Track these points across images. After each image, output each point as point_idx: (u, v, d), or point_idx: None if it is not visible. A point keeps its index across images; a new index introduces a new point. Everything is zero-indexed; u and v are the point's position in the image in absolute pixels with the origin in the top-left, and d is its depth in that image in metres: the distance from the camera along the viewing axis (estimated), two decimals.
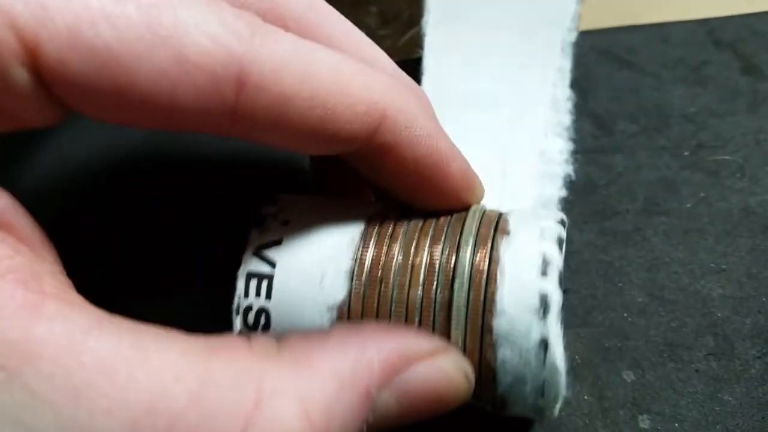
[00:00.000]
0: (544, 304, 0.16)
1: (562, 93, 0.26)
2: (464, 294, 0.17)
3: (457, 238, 0.17)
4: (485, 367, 0.17)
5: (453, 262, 0.17)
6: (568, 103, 0.26)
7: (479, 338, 0.17)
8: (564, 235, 0.18)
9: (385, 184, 0.19)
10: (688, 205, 0.26)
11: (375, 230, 0.18)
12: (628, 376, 0.23)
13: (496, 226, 0.18)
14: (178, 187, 0.28)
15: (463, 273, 0.17)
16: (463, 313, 0.17)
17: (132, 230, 0.27)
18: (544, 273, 0.16)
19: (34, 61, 0.13)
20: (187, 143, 0.28)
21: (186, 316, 0.14)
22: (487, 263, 0.17)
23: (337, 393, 0.14)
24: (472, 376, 0.16)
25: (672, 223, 0.26)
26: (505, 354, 0.16)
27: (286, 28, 0.18)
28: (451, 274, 0.17)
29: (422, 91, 0.22)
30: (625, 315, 0.24)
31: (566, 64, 0.27)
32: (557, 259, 0.17)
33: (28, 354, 0.11)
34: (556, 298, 0.16)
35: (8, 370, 0.11)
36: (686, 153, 0.28)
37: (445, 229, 0.18)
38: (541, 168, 0.25)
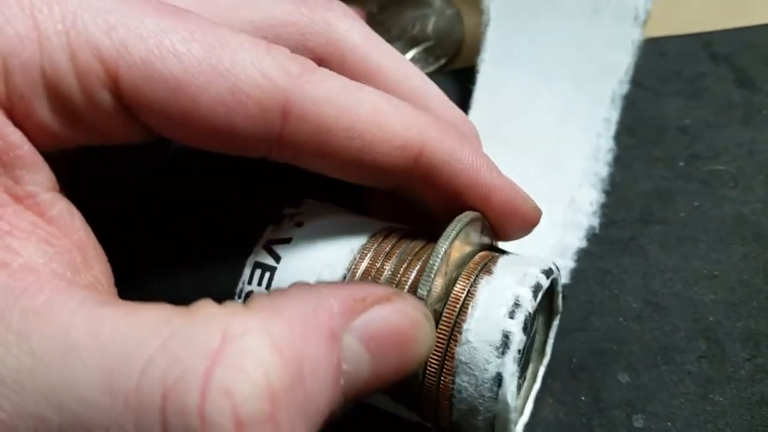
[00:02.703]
0: (505, 343, 0.17)
1: (605, 144, 0.27)
2: (435, 318, 0.18)
3: (445, 267, 0.18)
4: (443, 392, 0.18)
5: (433, 287, 0.18)
6: (609, 155, 0.27)
7: (441, 362, 0.18)
8: (545, 282, 0.18)
9: (433, 213, 0.20)
10: (683, 214, 0.28)
11: (374, 246, 0.20)
12: (624, 377, 0.24)
13: (484, 265, 0.19)
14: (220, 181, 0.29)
15: (440, 299, 0.18)
16: None
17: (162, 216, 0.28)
18: (511, 315, 0.17)
19: (115, 86, 0.16)
20: None
21: (192, 297, 0.15)
22: (463, 295, 0.18)
23: (303, 332, 0.14)
24: (431, 318, 0.17)
25: (667, 232, 0.27)
26: (462, 381, 0.17)
27: (343, 58, 0.21)
28: (427, 298, 0.18)
29: (470, 123, 0.24)
30: (621, 320, 0.25)
31: (614, 115, 0.28)
32: (528, 304, 0.18)
33: (37, 321, 0.13)
34: (517, 339, 0.17)
35: (20, 334, 0.13)
36: (681, 163, 0.29)
37: None
38: (568, 216, 0.26)
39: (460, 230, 0.18)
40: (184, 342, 0.13)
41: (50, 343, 0.13)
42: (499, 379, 0.17)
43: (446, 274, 0.18)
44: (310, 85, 0.17)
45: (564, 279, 0.25)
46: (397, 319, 0.15)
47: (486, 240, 0.21)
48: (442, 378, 0.18)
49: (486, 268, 0.19)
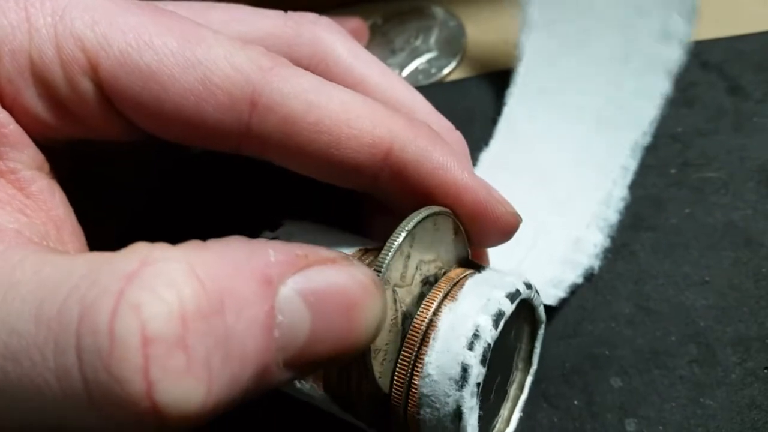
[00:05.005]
0: (463, 376, 0.17)
1: (619, 192, 0.28)
2: (397, 346, 0.18)
3: (411, 288, 0.18)
4: (411, 422, 0.18)
5: (396, 315, 0.18)
6: (621, 203, 0.27)
7: (406, 393, 0.18)
8: (508, 308, 0.18)
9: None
10: (674, 221, 0.28)
11: None
12: (616, 382, 0.24)
13: (450, 288, 0.18)
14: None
15: (404, 329, 0.18)
16: (393, 361, 0.18)
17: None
18: (470, 346, 0.17)
19: (96, 75, 0.17)
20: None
21: None
22: (425, 325, 0.18)
23: (230, 270, 0.13)
24: (383, 288, 0.16)
25: (658, 238, 0.28)
26: (426, 414, 0.17)
27: (328, 69, 0.22)
28: (390, 325, 0.18)
29: (457, 134, 0.23)
30: (613, 325, 0.26)
31: (632, 164, 0.28)
32: (488, 335, 0.17)
33: None
34: (475, 372, 0.17)
35: None
36: (673, 171, 0.29)
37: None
38: (569, 255, 0.26)
39: (424, 217, 0.18)
40: (104, 268, 0.13)
41: None
42: (458, 414, 0.17)
43: (411, 278, 0.18)
44: (279, 78, 0.17)
45: (551, 303, 0.24)
46: (343, 280, 0.14)
47: (461, 248, 0.20)
48: (408, 409, 0.18)
49: (451, 294, 0.18)
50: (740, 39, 0.34)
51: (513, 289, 0.18)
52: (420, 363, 0.18)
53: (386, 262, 0.17)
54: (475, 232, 0.20)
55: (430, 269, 0.19)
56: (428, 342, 0.18)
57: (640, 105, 0.29)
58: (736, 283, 0.26)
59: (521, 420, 0.22)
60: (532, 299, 0.20)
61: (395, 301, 0.18)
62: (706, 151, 0.30)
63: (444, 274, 0.19)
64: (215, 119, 0.17)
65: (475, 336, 0.17)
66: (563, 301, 0.25)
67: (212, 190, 0.30)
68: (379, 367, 0.18)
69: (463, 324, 0.17)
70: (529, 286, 0.19)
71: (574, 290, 0.25)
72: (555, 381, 0.25)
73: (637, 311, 0.26)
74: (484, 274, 0.19)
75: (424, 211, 0.18)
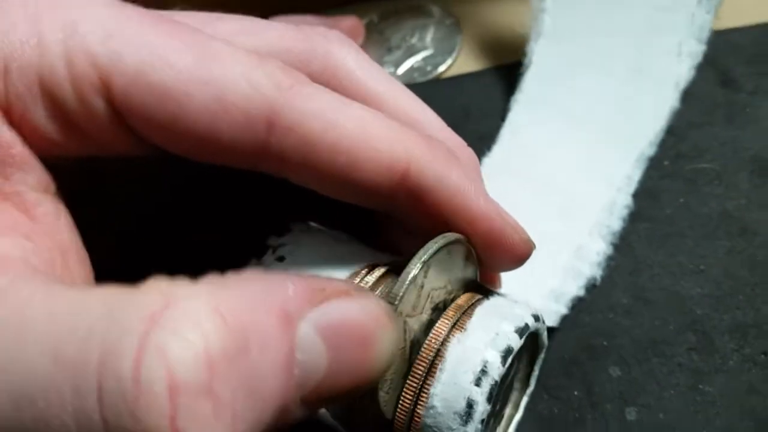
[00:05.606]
0: (468, 412, 0.17)
1: (623, 200, 0.28)
2: (402, 373, 0.17)
3: (420, 316, 0.18)
4: None
5: (406, 299, 0.17)
6: (625, 210, 0.28)
7: (408, 423, 0.18)
8: (516, 344, 0.18)
9: (421, 237, 0.19)
10: (669, 212, 0.28)
11: (356, 282, 0.19)
12: (615, 371, 0.25)
13: (459, 317, 0.18)
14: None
15: (411, 357, 0.18)
16: (398, 387, 0.18)
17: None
18: (478, 382, 0.17)
19: (108, 92, 0.16)
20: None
21: None
22: (432, 355, 0.18)
23: (252, 306, 0.13)
24: (396, 319, 0.15)
25: (653, 229, 0.28)
26: None
27: (340, 84, 0.21)
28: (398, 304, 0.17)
29: (469, 150, 0.23)
30: (611, 315, 0.26)
31: (637, 174, 0.28)
32: (496, 371, 0.17)
33: None
34: (481, 409, 0.17)
35: None
36: (666, 163, 0.30)
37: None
38: (572, 263, 0.26)
39: (440, 247, 0.17)
40: (124, 307, 0.12)
41: (6, 320, 0.13)
42: None
43: (422, 307, 0.18)
44: (299, 97, 0.17)
45: (553, 323, 0.24)
46: (358, 314, 0.14)
47: (470, 270, 0.20)
48: None
49: (459, 323, 0.18)
50: (732, 32, 0.34)
51: (522, 324, 0.18)
52: (425, 393, 0.17)
53: (400, 294, 0.16)
54: (488, 257, 0.20)
55: (440, 295, 0.19)
56: (435, 373, 0.17)
57: (647, 117, 0.30)
58: (732, 271, 0.26)
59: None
60: (540, 327, 0.20)
61: (405, 330, 0.18)
62: (699, 142, 0.30)
63: (453, 300, 0.19)
64: (230, 138, 0.17)
65: (483, 372, 0.17)
66: (563, 320, 0.25)
67: (220, 194, 0.30)
68: (384, 395, 0.18)
69: (472, 358, 0.17)
70: (537, 318, 0.19)
71: (575, 304, 0.25)
72: (554, 372, 0.25)
73: (634, 301, 0.26)
74: (493, 301, 0.19)
75: (441, 241, 0.18)
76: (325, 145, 0.17)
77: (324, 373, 0.14)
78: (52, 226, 0.17)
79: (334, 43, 0.22)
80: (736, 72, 0.33)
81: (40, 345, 0.12)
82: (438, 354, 0.18)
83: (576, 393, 0.24)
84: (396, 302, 0.16)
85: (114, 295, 0.13)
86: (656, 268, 0.27)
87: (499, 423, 0.21)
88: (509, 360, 0.18)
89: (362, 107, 0.18)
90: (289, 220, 0.22)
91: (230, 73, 0.17)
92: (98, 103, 0.17)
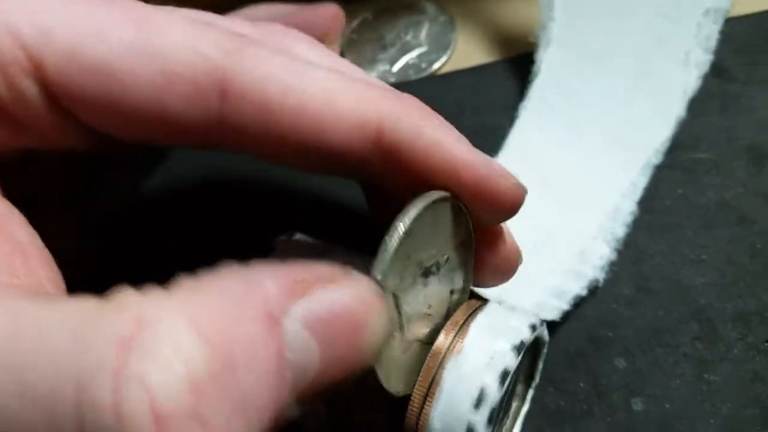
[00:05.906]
0: None
1: (628, 206, 0.28)
2: (400, 396, 0.17)
3: (415, 290, 0.17)
4: None
5: (391, 271, 0.16)
6: (629, 217, 0.27)
7: None
8: (513, 363, 0.18)
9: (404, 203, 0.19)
10: (668, 202, 0.28)
11: None
12: (620, 362, 0.25)
13: (452, 340, 0.18)
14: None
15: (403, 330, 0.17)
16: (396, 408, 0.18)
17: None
18: (477, 406, 0.17)
19: (40, 74, 0.15)
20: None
21: None
22: (429, 381, 0.17)
23: (233, 315, 0.12)
24: (384, 298, 0.15)
25: (653, 219, 0.28)
26: None
27: None
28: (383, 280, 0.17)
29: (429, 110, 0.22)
30: (614, 306, 0.26)
31: (642, 181, 0.28)
32: (494, 395, 0.17)
33: None
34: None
35: None
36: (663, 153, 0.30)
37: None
38: (574, 265, 0.26)
39: (421, 211, 0.16)
40: (94, 330, 0.11)
41: None
42: None
43: (413, 279, 0.17)
44: (250, 60, 0.16)
45: (554, 316, 0.24)
46: (345, 301, 0.13)
47: (462, 229, 0.19)
48: None
49: (455, 345, 0.18)
50: (725, 22, 0.34)
51: (518, 341, 0.18)
52: (425, 417, 0.17)
53: (383, 269, 0.15)
54: (479, 210, 0.18)
55: (430, 260, 0.18)
56: (432, 397, 0.17)
57: (654, 126, 0.30)
58: (733, 259, 0.26)
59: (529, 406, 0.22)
60: (537, 336, 0.19)
61: (397, 306, 0.17)
62: (695, 133, 0.30)
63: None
64: (181, 113, 0.16)
65: (482, 396, 0.17)
66: (566, 315, 0.25)
67: (212, 203, 0.30)
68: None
69: (469, 383, 0.17)
70: (534, 327, 0.19)
71: (578, 303, 0.25)
72: (559, 365, 0.25)
73: (636, 292, 0.26)
74: (489, 312, 0.19)
75: (420, 203, 0.16)
76: (286, 111, 0.16)
77: (317, 368, 0.13)
78: (7, 227, 0.15)
79: (292, 38, 0.20)
80: (729, 62, 0.33)
81: (4, 373, 0.11)
82: (434, 379, 0.17)
83: (582, 385, 0.24)
84: (380, 277, 0.15)
85: (81, 311, 0.12)
86: (658, 258, 0.27)
87: (506, 418, 0.21)
88: (507, 381, 0.17)
89: (322, 67, 0.17)
90: (275, 235, 0.22)
91: (173, 42, 0.15)
92: (30, 88, 0.15)
